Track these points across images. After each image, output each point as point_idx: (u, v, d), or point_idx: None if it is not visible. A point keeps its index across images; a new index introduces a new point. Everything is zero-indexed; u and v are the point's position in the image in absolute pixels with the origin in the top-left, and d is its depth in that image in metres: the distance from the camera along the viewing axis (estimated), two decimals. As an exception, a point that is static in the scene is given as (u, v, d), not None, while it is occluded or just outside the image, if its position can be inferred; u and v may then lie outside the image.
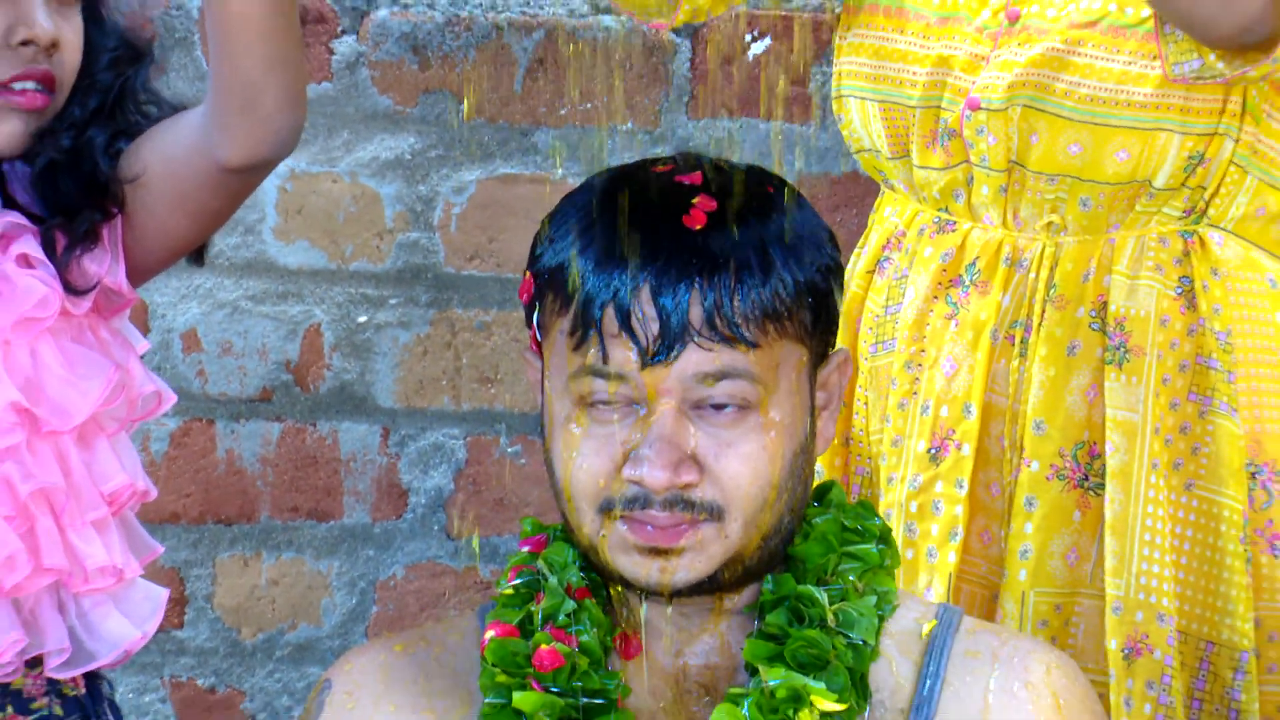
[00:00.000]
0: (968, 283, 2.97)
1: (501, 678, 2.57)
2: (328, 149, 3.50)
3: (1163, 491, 2.89)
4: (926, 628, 2.60)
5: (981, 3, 2.92)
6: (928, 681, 2.60)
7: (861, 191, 3.44)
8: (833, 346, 2.49)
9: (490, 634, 2.49)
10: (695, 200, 2.46)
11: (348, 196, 3.49)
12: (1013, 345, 2.93)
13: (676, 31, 3.47)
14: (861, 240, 2.99)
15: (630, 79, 3.47)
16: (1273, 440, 2.90)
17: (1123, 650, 2.89)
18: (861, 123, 3.00)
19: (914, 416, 2.97)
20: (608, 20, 3.48)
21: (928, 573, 2.94)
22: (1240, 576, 2.90)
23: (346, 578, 3.54)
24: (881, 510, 2.94)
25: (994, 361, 2.92)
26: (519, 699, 2.53)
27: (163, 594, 2.74)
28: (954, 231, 2.98)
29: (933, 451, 2.95)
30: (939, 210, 2.98)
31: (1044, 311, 2.93)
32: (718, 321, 2.44)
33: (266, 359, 3.53)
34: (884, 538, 2.61)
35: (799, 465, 2.52)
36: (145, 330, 3.54)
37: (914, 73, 2.92)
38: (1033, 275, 2.94)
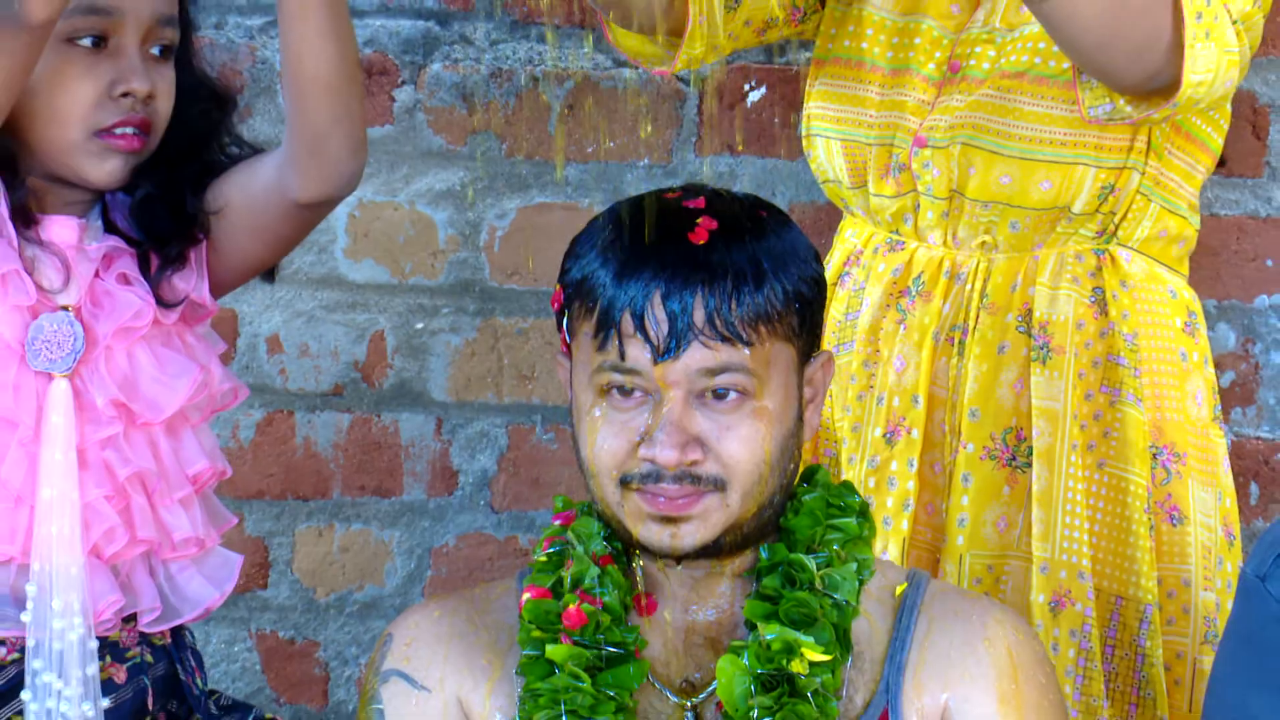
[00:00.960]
0: (914, 293, 2.99)
1: (536, 633, 2.62)
2: (390, 181, 3.55)
3: (1080, 469, 2.93)
4: (899, 589, 2.66)
5: (928, 56, 2.95)
6: (900, 635, 2.64)
7: (838, 222, 3.51)
8: (818, 348, 2.59)
9: (527, 595, 2.60)
10: (699, 220, 2.56)
11: (407, 222, 3.55)
12: (952, 345, 2.97)
13: (685, 82, 3.52)
14: (826, 258, 3.00)
15: (646, 122, 3.53)
16: (1171, 426, 2.95)
17: (1049, 604, 2.92)
18: (826, 158, 3.02)
19: (870, 407, 3.00)
20: (627, 72, 3.53)
21: (883, 538, 2.97)
22: (1145, 541, 2.93)
23: (406, 546, 3.60)
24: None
25: (936, 360, 2.97)
26: (551, 650, 2.59)
27: (238, 559, 2.82)
28: (903, 250, 3.01)
29: (887, 436, 2.99)
30: (890, 232, 3.01)
31: (978, 317, 2.97)
32: (718, 323, 2.52)
33: (338, 359, 3.59)
34: (863, 512, 2.66)
35: (789, 447, 2.58)
36: (235, 336, 3.59)
37: (870, 115, 2.96)
38: (969, 286, 2.97)
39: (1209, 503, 2.96)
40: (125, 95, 2.65)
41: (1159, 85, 2.73)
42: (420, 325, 3.56)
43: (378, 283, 3.56)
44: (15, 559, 2.65)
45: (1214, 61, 2.74)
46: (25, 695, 2.66)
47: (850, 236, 3.05)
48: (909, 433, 2.95)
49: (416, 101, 3.53)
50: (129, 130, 2.68)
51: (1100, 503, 2.93)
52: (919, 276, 2.96)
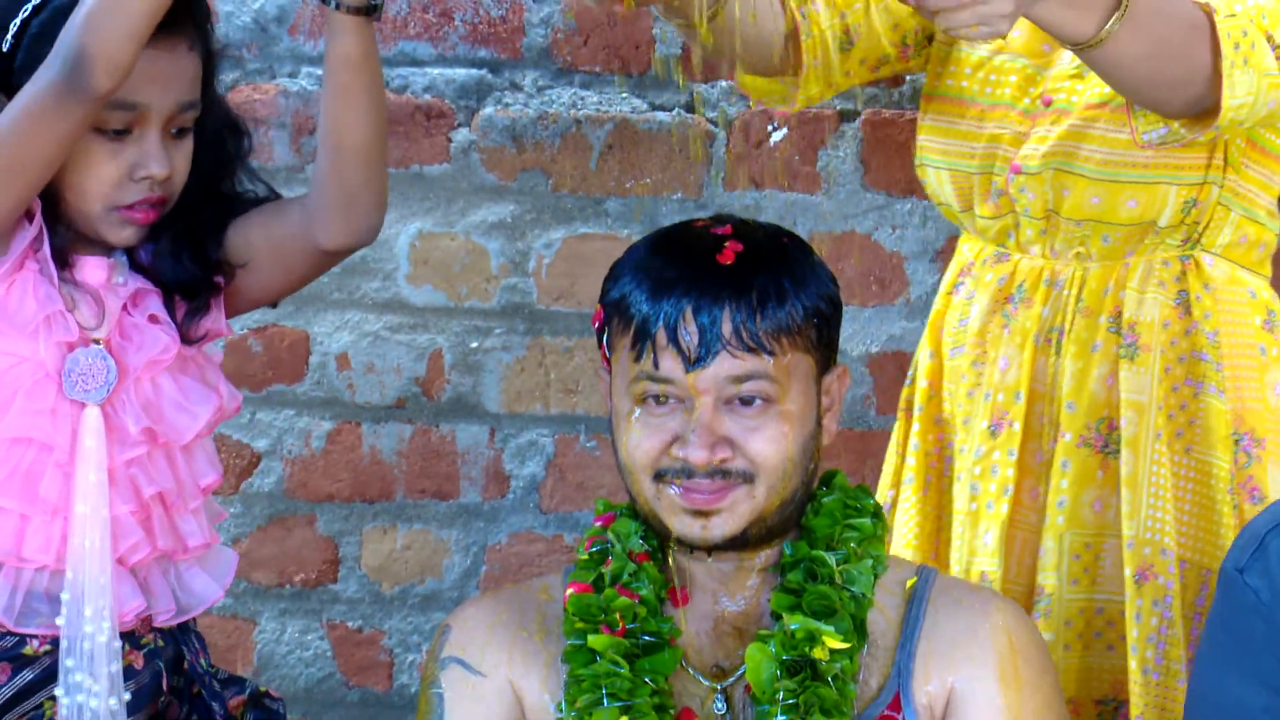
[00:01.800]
0: (1017, 300, 2.98)
1: (579, 624, 2.62)
2: (447, 214, 3.55)
3: (1166, 455, 2.91)
4: (909, 583, 2.66)
5: (1022, 91, 2.93)
6: (910, 624, 2.64)
7: (853, 248, 3.49)
8: (834, 360, 2.63)
9: (570, 590, 2.60)
10: (726, 243, 2.59)
11: (463, 251, 3.55)
12: (1050, 346, 2.95)
13: (714, 123, 3.51)
14: (948, 270, 3.07)
15: (679, 160, 3.52)
16: (1251, 414, 2.92)
17: (1134, 576, 2.89)
18: (937, 185, 3.00)
19: (979, 402, 2.98)
20: (662, 115, 3.53)
21: (987, 521, 2.96)
22: (1229, 519, 2.90)
23: (462, 544, 3.60)
24: (955, 473, 3.00)
25: (1036, 359, 2.95)
26: (593, 640, 2.60)
27: (234, 556, 2.85)
28: (1008, 261, 2.99)
29: (992, 429, 2.97)
30: (997, 246, 2.99)
31: (1074, 320, 2.95)
32: (744, 335, 2.56)
33: (400, 375, 3.59)
34: (877, 513, 2.67)
35: (809, 448, 2.59)
36: (307, 354, 3.60)
37: (972, 147, 2.95)
38: (1066, 292, 2.96)
39: None
40: (144, 179, 2.63)
41: (1203, 109, 2.72)
42: (475, 344, 3.56)
43: (436, 306, 3.55)
44: (49, 566, 2.67)
45: (1254, 86, 2.72)
46: (59, 692, 2.69)
47: (965, 250, 3.04)
48: (1011, 426, 2.94)
49: (471, 142, 3.52)
50: (145, 206, 2.70)
51: (1189, 485, 2.92)
52: (1021, 285, 2.97)
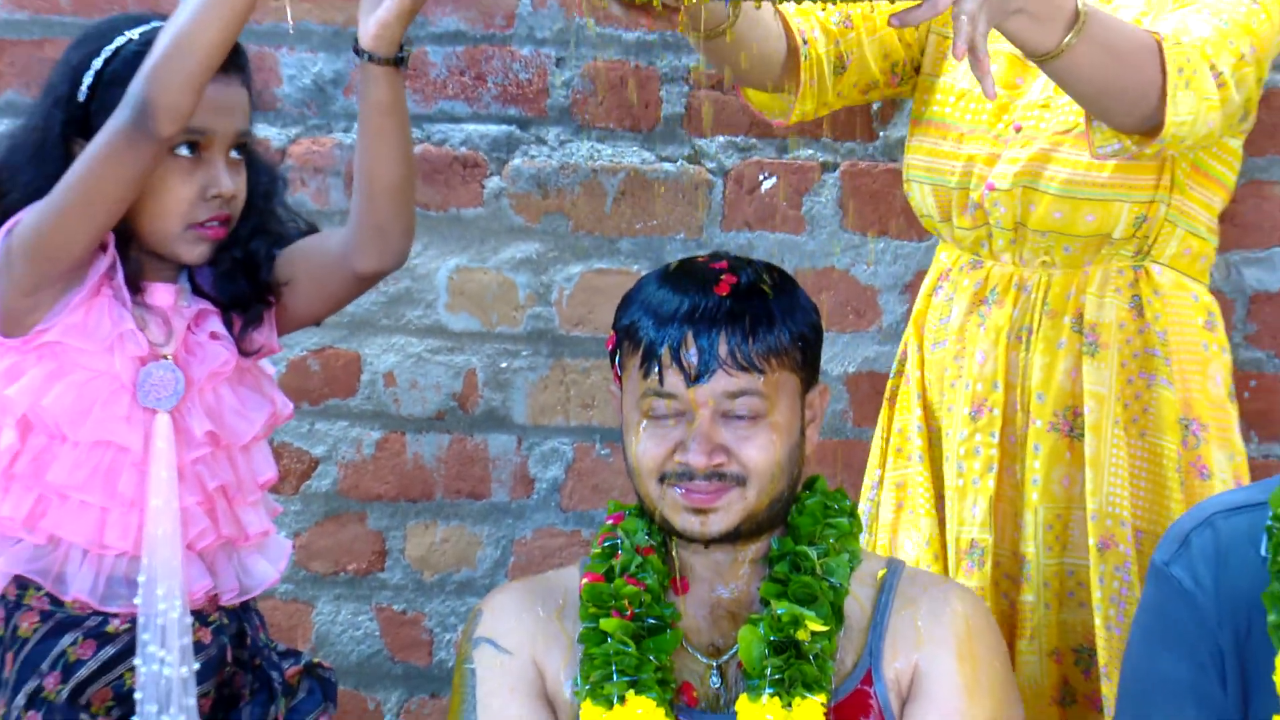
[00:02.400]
0: (990, 302, 3.00)
1: (593, 609, 2.68)
2: (480, 251, 3.57)
3: (1122, 439, 2.93)
4: (880, 574, 2.71)
5: (997, 119, 2.95)
6: (881, 610, 2.68)
7: (833, 282, 3.51)
8: (816, 379, 2.68)
9: (585, 580, 2.61)
10: (722, 276, 2.60)
11: (494, 283, 3.57)
12: (1020, 342, 2.97)
13: (713, 172, 3.51)
14: (928, 274, 3.09)
15: (682, 204, 3.53)
16: (1196, 403, 2.96)
17: (1098, 545, 2.92)
18: (920, 198, 3.02)
19: (960, 391, 3.00)
20: (668, 166, 3.54)
21: (973, 494, 2.97)
22: (1178, 494, 2.94)
23: (493, 538, 3.61)
24: (943, 453, 3.01)
25: (1009, 354, 2.97)
26: (605, 623, 2.65)
27: (288, 544, 2.90)
28: (981, 268, 3.01)
29: (973, 414, 2.98)
30: (972, 254, 3.01)
31: (1041, 320, 2.96)
32: (738, 356, 2.63)
33: (440, 392, 3.60)
34: (853, 514, 2.74)
35: (795, 455, 2.66)
36: (359, 373, 3.63)
37: (953, 166, 2.97)
38: (1033, 296, 2.97)
39: (1224, 462, 2.97)
40: (215, 197, 2.64)
41: (1151, 127, 2.75)
42: (504, 364, 3.57)
43: (471, 331, 3.57)
44: (128, 552, 2.72)
45: (1195, 106, 2.73)
46: (137, 661, 2.73)
47: (943, 258, 3.08)
48: (991, 411, 2.96)
49: (501, 189, 3.54)
50: (215, 223, 2.72)
51: (1143, 465, 2.96)
52: (994, 288, 3.00)
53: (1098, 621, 2.88)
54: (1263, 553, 2.53)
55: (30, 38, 3.56)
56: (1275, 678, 2.51)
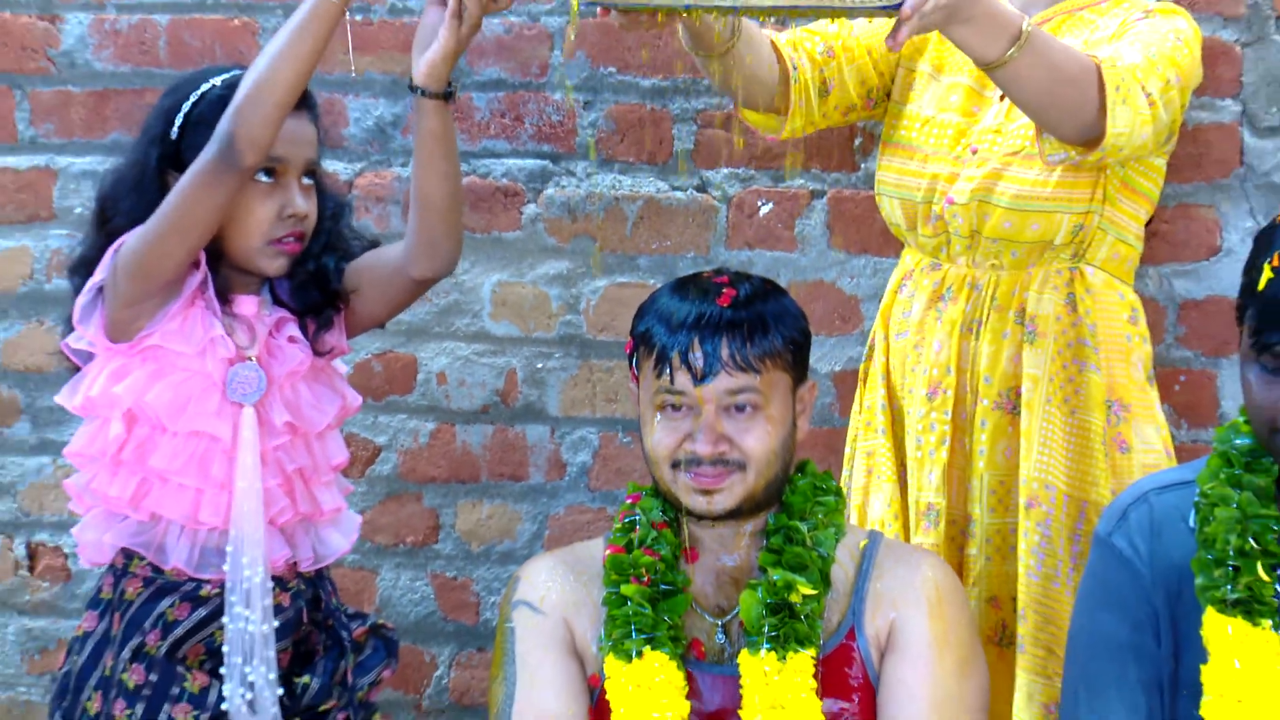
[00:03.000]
0: (947, 299, 3.02)
1: (615, 576, 2.73)
2: (519, 268, 3.61)
3: (1055, 415, 2.96)
4: (862, 544, 2.76)
5: (956, 142, 2.98)
6: (862, 575, 2.73)
7: (821, 293, 3.54)
8: (806, 377, 2.71)
9: (608, 552, 2.64)
10: (725, 290, 2.61)
11: (531, 295, 3.60)
12: (971, 334, 3.00)
13: (718, 200, 3.54)
14: (893, 274, 3.11)
15: (691, 226, 3.56)
16: (1120, 386, 2.99)
17: (1025, 504, 2.95)
18: (889, 210, 3.06)
19: (919, 375, 3.03)
20: (679, 194, 3.57)
21: (930, 464, 3.00)
22: (1102, 464, 2.96)
23: (530, 514, 3.64)
24: (905, 428, 3.03)
25: (961, 343, 3.00)
26: (625, 588, 2.71)
27: (358, 519, 2.94)
28: (940, 270, 3.04)
29: (929, 394, 3.02)
30: (933, 258, 3.04)
31: (989, 314, 2.99)
32: (738, 359, 2.66)
33: (484, 389, 3.64)
34: (838, 493, 2.79)
35: (788, 443, 2.71)
36: (415, 373, 3.65)
37: (918, 183, 3.01)
38: (984, 294, 2.99)
39: (1153, 436, 3.01)
40: (290, 216, 2.68)
41: (1092, 138, 2.78)
42: (540, 365, 3.61)
43: (512, 336, 3.61)
44: (219, 527, 2.79)
45: (1130, 120, 2.77)
46: (225, 620, 2.79)
47: (907, 260, 3.11)
48: (945, 393, 3.00)
49: (537, 215, 3.58)
50: (291, 240, 2.76)
51: (1073, 438, 2.98)
52: (950, 287, 3.04)
53: (1020, 570, 2.93)
54: (1191, 525, 2.59)
55: (132, 87, 3.61)
56: (1202, 633, 2.55)
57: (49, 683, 3.58)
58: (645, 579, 2.65)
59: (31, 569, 3.68)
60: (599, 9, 2.59)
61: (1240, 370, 2.50)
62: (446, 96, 2.75)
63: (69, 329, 2.77)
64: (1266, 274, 2.40)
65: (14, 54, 3.60)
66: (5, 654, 3.67)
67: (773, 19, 2.77)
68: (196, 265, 2.74)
